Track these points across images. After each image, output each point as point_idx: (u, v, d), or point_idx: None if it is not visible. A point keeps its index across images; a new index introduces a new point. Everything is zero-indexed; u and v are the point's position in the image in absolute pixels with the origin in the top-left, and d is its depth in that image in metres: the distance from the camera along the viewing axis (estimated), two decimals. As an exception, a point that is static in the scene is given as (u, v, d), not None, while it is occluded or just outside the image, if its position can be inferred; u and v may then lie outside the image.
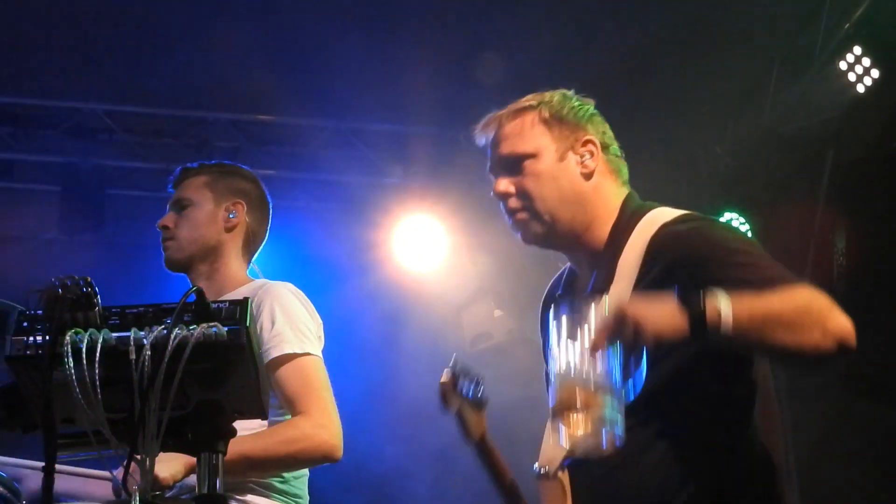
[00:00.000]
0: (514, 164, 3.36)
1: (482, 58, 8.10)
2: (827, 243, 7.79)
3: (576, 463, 3.20)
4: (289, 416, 4.13)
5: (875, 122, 7.60)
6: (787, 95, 8.08)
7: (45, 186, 8.95)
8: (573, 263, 3.46)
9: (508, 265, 9.19)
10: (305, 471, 4.32)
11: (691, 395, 3.12)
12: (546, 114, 3.37)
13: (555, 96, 3.42)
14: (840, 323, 2.93)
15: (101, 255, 8.74)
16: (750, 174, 8.36)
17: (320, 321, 4.34)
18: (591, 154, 3.35)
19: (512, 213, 3.36)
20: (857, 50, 7.29)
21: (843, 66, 7.39)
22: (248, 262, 4.63)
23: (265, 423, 3.82)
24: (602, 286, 3.21)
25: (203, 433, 2.71)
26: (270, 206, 4.77)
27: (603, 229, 3.31)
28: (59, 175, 8.83)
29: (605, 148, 3.40)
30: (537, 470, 3.24)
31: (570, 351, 2.84)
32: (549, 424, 3.28)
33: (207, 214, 4.54)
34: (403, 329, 9.66)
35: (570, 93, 3.46)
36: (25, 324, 2.66)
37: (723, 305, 2.83)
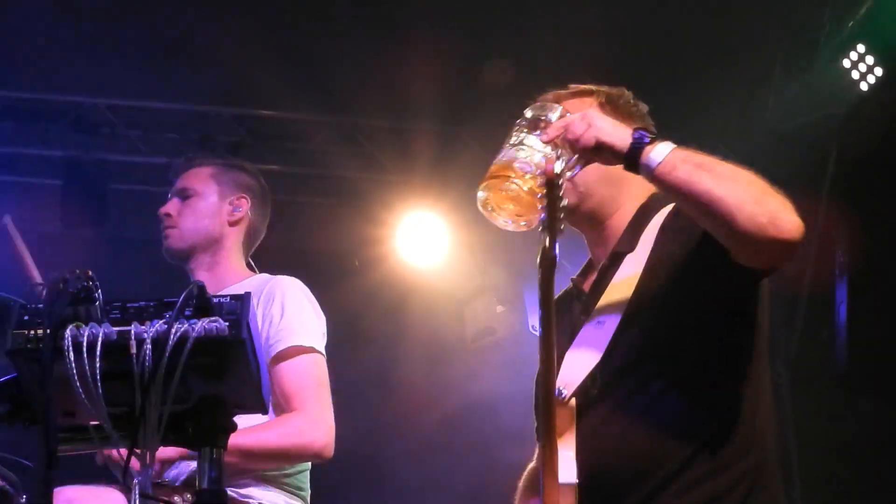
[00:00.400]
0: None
1: (486, 54, 8.10)
2: (829, 241, 7.79)
3: (586, 399, 3.22)
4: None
5: (878, 119, 7.60)
6: (789, 93, 8.08)
7: (46, 180, 8.94)
8: (591, 247, 3.51)
9: (511, 261, 9.19)
10: (307, 463, 4.32)
11: (693, 355, 3.17)
12: (603, 99, 3.48)
13: (613, 89, 3.54)
14: (788, 210, 2.92)
15: (102, 249, 8.73)
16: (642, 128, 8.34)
17: (324, 318, 4.36)
18: None
19: None
20: (861, 48, 7.29)
21: (846, 63, 7.39)
22: (247, 256, 4.64)
23: (265, 417, 3.83)
24: (611, 268, 3.34)
25: (204, 428, 2.71)
26: (269, 200, 4.78)
27: (628, 218, 3.39)
28: (61, 169, 8.82)
29: None
30: (557, 390, 3.23)
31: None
32: (571, 349, 3.32)
33: (212, 206, 4.55)
34: (406, 324, 9.66)
35: (626, 90, 3.57)
36: (26, 317, 2.67)
37: (665, 144, 2.97)
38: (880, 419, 7.54)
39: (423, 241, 9.25)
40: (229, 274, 4.49)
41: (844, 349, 7.62)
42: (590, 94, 3.51)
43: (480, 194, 3.12)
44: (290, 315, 4.17)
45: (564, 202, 2.88)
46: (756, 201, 2.90)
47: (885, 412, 7.52)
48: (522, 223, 3.11)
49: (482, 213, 3.15)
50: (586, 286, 3.45)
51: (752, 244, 2.92)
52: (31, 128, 8.79)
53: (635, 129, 3.03)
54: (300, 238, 9.01)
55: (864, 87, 7.35)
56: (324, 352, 4.26)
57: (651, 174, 2.98)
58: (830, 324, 7.78)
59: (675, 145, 2.99)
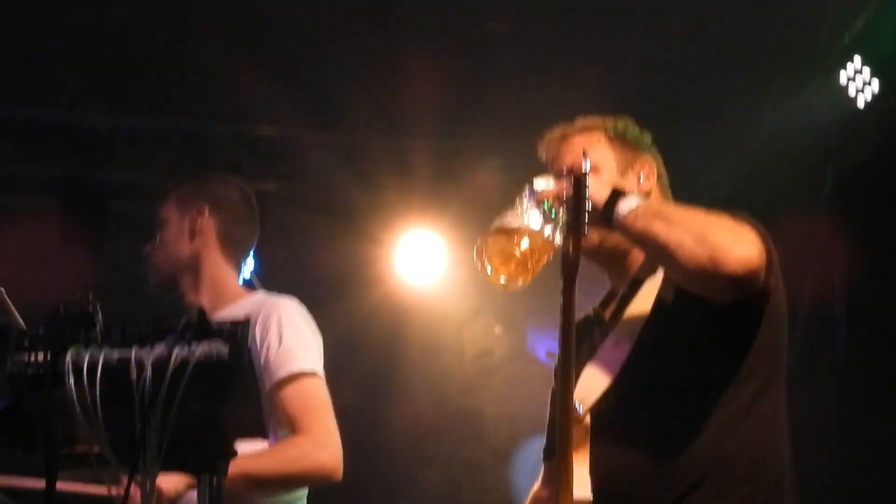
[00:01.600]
0: None
1: (483, 72, 8.10)
2: (828, 257, 7.79)
3: (600, 417, 3.24)
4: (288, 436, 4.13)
5: (876, 134, 7.59)
6: (786, 108, 8.08)
7: (46, 199, 8.94)
8: (612, 280, 3.58)
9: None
10: (304, 490, 4.30)
11: (703, 378, 3.22)
12: (611, 132, 3.58)
13: (618, 120, 3.63)
14: (733, 246, 3.00)
15: (102, 268, 8.72)
16: (749, 187, 8.36)
17: (321, 339, 4.34)
18: (647, 176, 3.56)
19: None
20: (858, 61, 7.28)
21: (843, 78, 7.38)
22: (236, 267, 4.57)
23: (266, 443, 3.81)
24: (631, 294, 3.41)
25: (204, 454, 2.70)
26: (252, 208, 4.69)
27: None
28: (60, 188, 8.82)
29: (658, 176, 3.60)
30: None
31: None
32: (588, 367, 3.37)
33: (175, 230, 4.52)
34: (404, 344, 9.64)
35: (631, 121, 3.66)
36: (26, 342, 2.66)
37: (637, 198, 3.15)
38: (880, 437, 7.52)
39: (422, 261, 9.23)
40: (220, 293, 4.43)
41: (843, 366, 7.62)
42: (597, 128, 3.60)
43: (479, 242, 3.29)
44: (289, 340, 4.15)
45: (589, 206, 2.96)
46: (697, 240, 2.99)
47: (886, 430, 7.50)
48: (505, 279, 3.27)
49: (475, 259, 3.30)
50: (607, 314, 3.49)
51: (697, 281, 3.05)
52: (29, 146, 8.78)
53: (614, 189, 3.17)
54: (298, 257, 9.01)
55: (861, 101, 7.34)
56: (323, 373, 4.24)
57: (620, 226, 3.13)
58: (829, 341, 7.78)
59: (642, 200, 3.15)
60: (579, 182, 3.00)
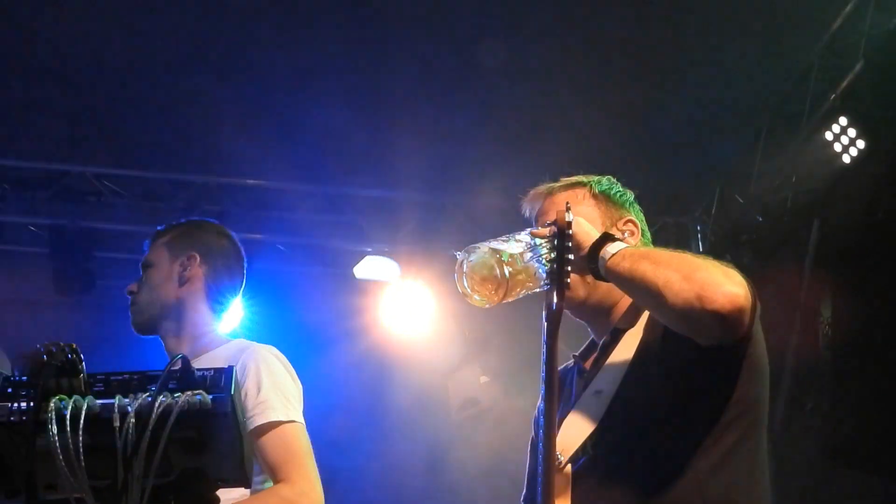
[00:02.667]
0: None
1: (471, 126, 8.14)
2: (813, 312, 7.81)
3: (581, 466, 3.24)
4: (269, 484, 4.10)
5: (861, 192, 7.64)
6: (773, 165, 8.13)
7: (33, 248, 8.94)
8: (595, 330, 3.58)
9: (495, 332, 9.20)
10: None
11: (682, 427, 3.19)
12: (596, 190, 3.60)
13: (602, 178, 3.64)
14: (722, 283, 2.98)
15: (89, 317, 8.72)
16: (736, 242, 8.40)
17: (300, 386, 4.31)
18: (632, 233, 3.56)
19: None
20: (843, 121, 7.34)
21: (828, 136, 7.44)
22: (218, 314, 4.57)
23: (247, 491, 3.79)
24: (612, 343, 3.42)
25: (186, 501, 2.69)
26: (240, 258, 4.69)
27: (629, 301, 3.46)
28: (48, 237, 8.83)
29: (642, 233, 3.62)
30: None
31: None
32: (568, 416, 3.37)
33: (164, 273, 4.49)
34: (390, 394, 9.65)
35: (614, 179, 3.68)
36: (10, 389, 2.66)
37: (619, 243, 3.16)
38: (864, 489, 7.52)
39: (408, 312, 9.24)
40: (200, 340, 4.42)
41: (830, 419, 7.62)
42: (581, 185, 3.62)
43: (459, 255, 3.22)
44: (268, 388, 4.12)
45: (571, 256, 3.00)
46: (684, 278, 2.99)
47: (869, 483, 7.50)
48: (478, 297, 3.22)
49: (455, 270, 3.23)
50: (588, 363, 3.50)
51: (683, 319, 3.02)
52: (18, 195, 8.79)
53: (603, 234, 3.20)
54: (285, 307, 9.00)
55: (846, 159, 7.39)
56: (303, 420, 4.22)
57: (604, 268, 3.13)
58: (815, 393, 7.79)
59: (628, 245, 3.17)
60: (563, 233, 3.02)
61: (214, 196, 8.93)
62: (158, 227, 4.72)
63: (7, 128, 8.22)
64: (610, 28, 7.44)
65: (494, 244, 3.19)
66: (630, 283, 3.10)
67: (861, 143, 7.32)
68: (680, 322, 3.04)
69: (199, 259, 4.52)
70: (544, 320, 3.00)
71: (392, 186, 8.85)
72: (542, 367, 2.98)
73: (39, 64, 7.72)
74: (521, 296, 3.19)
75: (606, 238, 3.18)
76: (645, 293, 3.08)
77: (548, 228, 3.13)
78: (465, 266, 3.20)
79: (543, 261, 3.09)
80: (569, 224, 3.05)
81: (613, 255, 3.12)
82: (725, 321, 2.97)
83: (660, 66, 7.60)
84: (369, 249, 9.13)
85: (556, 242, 3.06)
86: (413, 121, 7.88)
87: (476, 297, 3.21)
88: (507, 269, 3.13)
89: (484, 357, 9.53)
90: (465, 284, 3.20)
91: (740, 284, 2.99)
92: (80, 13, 7.30)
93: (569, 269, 3.01)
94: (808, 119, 7.72)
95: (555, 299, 2.99)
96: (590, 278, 3.39)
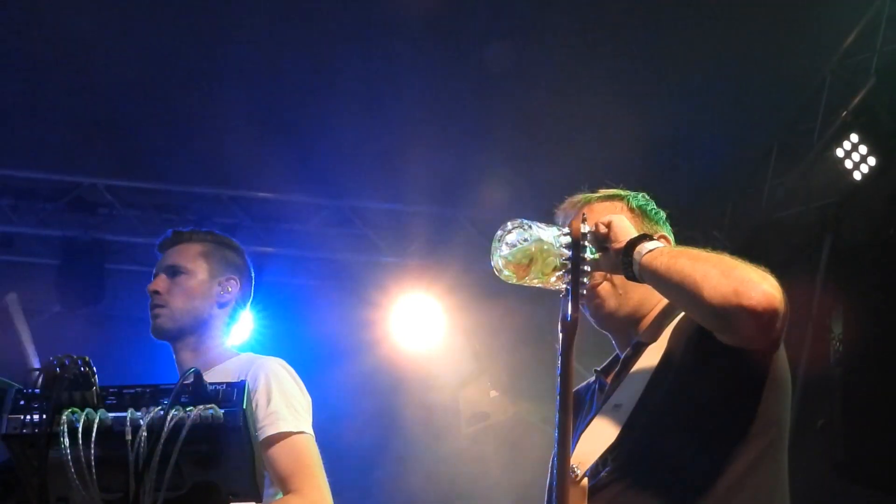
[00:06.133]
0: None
1: (480, 138, 8.14)
2: (824, 329, 7.79)
3: (598, 480, 3.24)
4: (280, 495, 4.11)
5: (872, 208, 7.63)
6: (784, 181, 8.13)
7: (44, 260, 8.95)
8: (619, 343, 3.57)
9: (505, 345, 9.19)
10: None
11: (703, 442, 3.18)
12: (633, 204, 3.60)
13: (638, 194, 3.65)
14: (760, 282, 2.97)
15: (99, 329, 8.73)
16: (748, 259, 8.39)
17: (310, 398, 4.32)
18: None
19: (595, 285, 3.48)
20: (854, 138, 7.34)
21: (839, 153, 7.44)
22: (230, 329, 4.59)
23: (258, 505, 3.80)
24: (634, 357, 3.42)
25: (198, 515, 2.70)
26: (252, 275, 4.73)
27: (654, 315, 3.48)
28: (59, 249, 8.84)
29: None
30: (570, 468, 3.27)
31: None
32: (587, 430, 3.37)
33: (202, 286, 4.49)
34: (400, 408, 9.64)
35: (648, 196, 3.70)
36: (22, 402, 2.66)
37: (656, 242, 3.16)
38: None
39: (418, 325, 9.24)
40: (213, 354, 4.43)
41: (841, 437, 7.60)
42: (619, 198, 3.62)
43: (508, 226, 3.23)
44: (278, 399, 4.13)
45: (587, 268, 3.01)
46: (722, 273, 2.99)
47: (882, 501, 7.48)
48: (506, 270, 3.22)
49: (492, 245, 3.24)
50: (609, 378, 3.50)
51: (719, 316, 2.99)
52: (29, 207, 8.81)
53: (641, 234, 3.20)
54: (295, 320, 9.01)
55: (857, 176, 7.39)
56: (312, 432, 4.23)
57: (639, 266, 3.12)
58: (827, 410, 7.77)
59: (665, 244, 3.16)
60: (577, 244, 3.01)
61: (226, 209, 8.94)
62: (180, 229, 4.71)
63: (19, 139, 8.23)
64: (621, 41, 7.44)
65: (544, 235, 3.16)
66: (666, 278, 3.09)
67: (872, 160, 7.32)
68: (714, 318, 3.01)
69: (238, 284, 4.55)
70: (559, 331, 2.99)
71: (402, 199, 8.85)
72: (557, 380, 2.98)
73: (52, 75, 7.73)
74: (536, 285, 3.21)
75: (644, 237, 3.18)
76: (681, 288, 3.05)
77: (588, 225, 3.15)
78: (503, 246, 3.19)
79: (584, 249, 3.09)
80: (584, 235, 3.05)
81: (650, 251, 3.12)
82: (760, 319, 2.95)
83: (671, 80, 7.61)
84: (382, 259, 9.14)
85: (605, 229, 3.14)
86: (423, 134, 7.89)
87: (505, 272, 3.21)
88: (543, 265, 3.13)
89: (494, 371, 9.52)
90: (499, 262, 3.20)
91: (776, 287, 2.99)
92: (93, 24, 7.31)
93: (585, 280, 3.00)
94: (819, 135, 7.71)
95: (569, 310, 2.98)
96: (621, 289, 3.42)
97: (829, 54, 7.53)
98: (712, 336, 3.09)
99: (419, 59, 7.57)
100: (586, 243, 3.09)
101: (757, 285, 2.96)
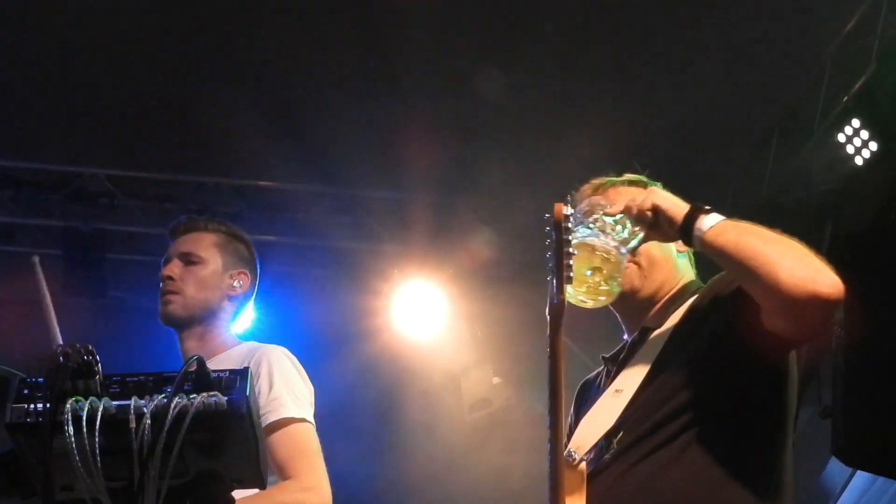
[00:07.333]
0: None
1: (482, 126, 8.14)
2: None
3: (596, 464, 3.25)
4: (278, 481, 4.13)
5: (873, 193, 7.62)
6: (786, 166, 8.12)
7: (46, 250, 8.94)
8: (628, 332, 3.57)
9: (507, 332, 9.19)
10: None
11: (708, 427, 3.18)
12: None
13: (657, 183, 3.63)
14: (829, 270, 2.99)
15: (101, 319, 8.73)
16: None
17: (311, 387, 4.34)
18: None
19: None
20: (856, 122, 7.33)
21: (841, 138, 7.43)
22: (234, 319, 4.61)
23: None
24: (640, 342, 3.43)
25: (202, 503, 2.70)
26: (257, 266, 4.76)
27: (664, 300, 3.49)
28: (61, 239, 8.84)
29: None
30: (567, 452, 3.27)
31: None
32: (586, 415, 3.39)
33: (215, 276, 4.51)
34: (402, 395, 9.65)
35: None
36: (26, 391, 2.66)
37: (716, 214, 3.11)
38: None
39: (420, 313, 9.24)
40: (217, 343, 4.45)
41: (843, 422, 7.60)
42: (643, 184, 3.61)
43: (581, 297, 3.17)
44: (279, 387, 4.15)
45: (573, 251, 2.95)
46: (797, 258, 3.00)
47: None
48: (590, 295, 3.18)
49: (585, 299, 3.18)
50: (615, 363, 3.51)
51: (793, 300, 2.97)
52: (30, 198, 8.81)
53: (694, 205, 3.16)
54: (297, 309, 9.02)
55: (858, 161, 7.39)
56: (313, 420, 4.25)
57: (701, 240, 3.10)
58: (828, 395, 7.77)
59: (724, 217, 3.12)
60: (559, 226, 2.99)
61: (227, 198, 8.94)
62: (196, 217, 4.73)
63: (20, 130, 8.23)
64: (623, 28, 7.44)
65: (588, 239, 3.14)
66: (734, 255, 3.06)
67: (874, 145, 7.31)
68: (787, 300, 2.98)
69: (248, 278, 4.57)
70: (547, 314, 3.00)
71: (404, 187, 8.85)
72: (549, 364, 2.99)
73: (52, 66, 7.73)
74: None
75: (697, 208, 3.15)
76: (752, 267, 3.02)
77: (622, 205, 3.18)
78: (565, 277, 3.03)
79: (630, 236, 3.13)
80: (567, 217, 3.00)
81: (713, 226, 3.09)
82: (827, 307, 2.97)
83: (673, 67, 7.60)
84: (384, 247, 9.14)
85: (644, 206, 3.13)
86: (424, 122, 7.88)
87: (588, 300, 3.18)
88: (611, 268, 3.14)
89: (496, 358, 9.53)
90: (573, 294, 3.12)
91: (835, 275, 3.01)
92: (93, 14, 7.31)
93: (570, 262, 2.99)
94: (820, 121, 7.71)
95: (555, 292, 2.97)
96: (647, 271, 3.43)
97: (830, 39, 7.52)
98: (748, 322, 3.09)
99: (421, 46, 7.56)
100: (620, 223, 3.11)
101: (830, 275, 2.98)
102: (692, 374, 3.20)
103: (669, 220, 3.14)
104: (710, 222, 3.09)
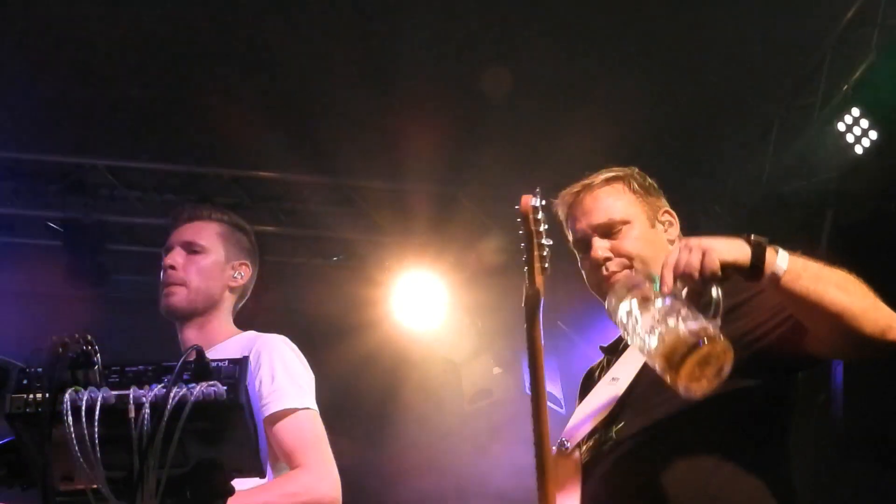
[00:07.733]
0: (608, 229, 3.53)
1: (481, 116, 8.14)
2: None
3: (590, 453, 3.25)
4: (286, 470, 4.13)
5: (873, 182, 7.62)
6: (786, 156, 8.12)
7: (46, 241, 8.95)
8: None
9: (508, 322, 9.19)
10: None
11: (728, 418, 3.19)
12: (635, 185, 3.61)
13: (634, 170, 3.65)
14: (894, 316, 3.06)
15: (101, 310, 8.74)
16: (748, 233, 8.38)
17: (312, 375, 4.34)
18: (671, 224, 3.62)
19: (613, 275, 3.47)
20: (856, 111, 7.33)
21: (841, 127, 7.43)
22: (234, 314, 4.61)
23: (263, 480, 3.81)
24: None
25: (202, 492, 2.71)
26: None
27: None
28: (61, 230, 8.84)
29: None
30: (560, 441, 3.28)
31: (643, 322, 2.89)
32: (580, 404, 3.41)
33: (217, 267, 4.51)
34: (402, 386, 9.65)
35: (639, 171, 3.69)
36: (25, 381, 2.67)
37: (781, 251, 3.01)
38: (877, 483, 7.51)
39: (420, 303, 9.24)
40: (216, 333, 4.45)
41: (841, 412, 7.61)
42: (619, 179, 3.61)
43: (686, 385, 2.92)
44: (281, 375, 4.16)
45: (547, 240, 2.96)
46: (876, 309, 3.06)
47: (883, 476, 7.48)
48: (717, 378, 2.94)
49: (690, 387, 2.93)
50: (612, 353, 3.52)
51: (874, 346, 3.06)
52: (30, 189, 8.80)
53: (746, 239, 3.04)
54: (296, 299, 9.02)
55: (858, 150, 7.39)
56: (316, 408, 4.25)
57: (776, 284, 3.02)
58: (827, 387, 7.77)
59: (787, 252, 3.06)
60: (526, 217, 2.99)
61: (227, 188, 8.93)
62: (200, 207, 4.72)
63: (20, 121, 8.23)
64: (622, 18, 7.43)
65: (675, 324, 2.88)
66: (812, 302, 3.03)
67: (873, 134, 7.31)
68: (866, 347, 3.08)
69: (250, 270, 4.57)
70: (523, 305, 3.03)
71: (404, 178, 8.84)
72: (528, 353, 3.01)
73: (52, 57, 7.72)
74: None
75: (759, 246, 3.02)
76: (831, 315, 3.04)
77: (676, 267, 2.98)
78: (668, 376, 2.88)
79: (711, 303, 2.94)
80: (535, 209, 3.03)
81: (787, 270, 3.01)
82: (890, 348, 3.07)
83: (672, 56, 7.59)
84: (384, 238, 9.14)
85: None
86: (424, 112, 7.88)
87: (692, 386, 2.90)
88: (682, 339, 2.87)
89: (496, 348, 9.53)
90: (685, 386, 2.87)
91: None
92: (93, 5, 7.31)
93: (545, 254, 3.00)
94: (820, 110, 7.70)
95: (528, 283, 2.99)
96: (642, 267, 3.44)
97: (830, 28, 7.51)
98: (773, 334, 3.15)
99: (423, 36, 7.56)
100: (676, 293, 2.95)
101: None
102: None
103: (736, 268, 3.00)
104: (781, 266, 3.01)
